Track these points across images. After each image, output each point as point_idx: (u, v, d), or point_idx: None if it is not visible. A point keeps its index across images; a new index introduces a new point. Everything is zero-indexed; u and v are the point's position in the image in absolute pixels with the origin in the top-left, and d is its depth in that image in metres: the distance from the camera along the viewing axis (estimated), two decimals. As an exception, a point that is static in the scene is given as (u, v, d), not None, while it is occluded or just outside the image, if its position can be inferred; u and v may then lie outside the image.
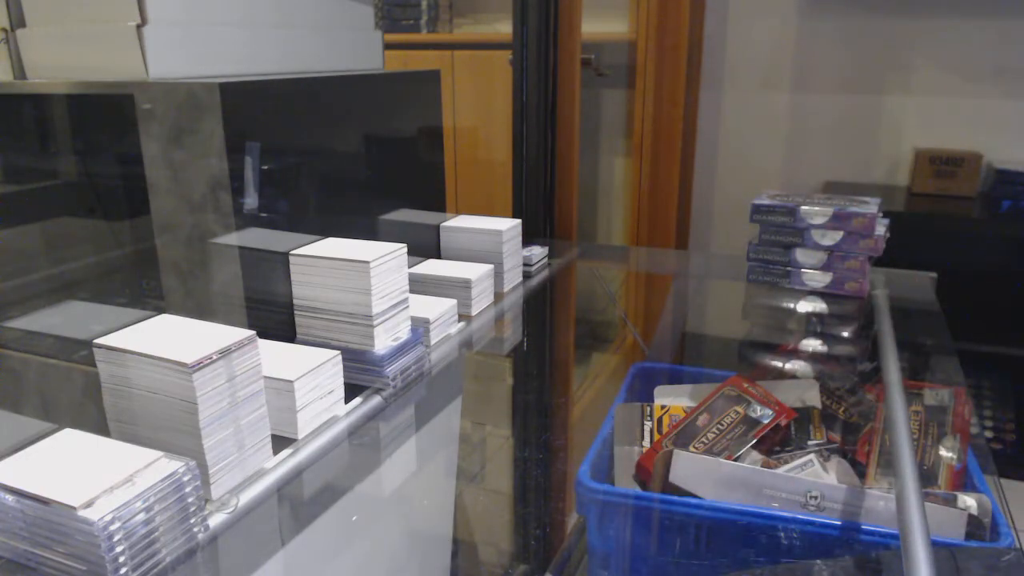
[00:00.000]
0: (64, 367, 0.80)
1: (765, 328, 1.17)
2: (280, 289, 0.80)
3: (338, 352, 0.74)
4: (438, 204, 1.13)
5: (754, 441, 0.81)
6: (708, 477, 0.73)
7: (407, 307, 0.83)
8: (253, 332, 0.61)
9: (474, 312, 1.01)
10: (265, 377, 0.64)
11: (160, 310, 0.70)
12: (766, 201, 1.16)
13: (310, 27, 0.97)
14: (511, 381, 1.05)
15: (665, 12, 1.96)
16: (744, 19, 2.13)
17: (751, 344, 1.18)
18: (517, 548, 0.70)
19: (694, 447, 0.80)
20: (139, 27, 0.74)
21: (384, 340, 0.79)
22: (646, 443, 0.85)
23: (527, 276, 1.18)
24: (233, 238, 0.74)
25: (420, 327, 0.86)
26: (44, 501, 0.49)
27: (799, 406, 0.87)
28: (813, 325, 1.11)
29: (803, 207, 1.13)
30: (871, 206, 1.13)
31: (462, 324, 0.97)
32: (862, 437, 0.82)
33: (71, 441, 0.56)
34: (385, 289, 0.78)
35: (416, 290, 0.92)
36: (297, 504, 0.65)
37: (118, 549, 0.49)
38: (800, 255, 1.16)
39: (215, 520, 0.58)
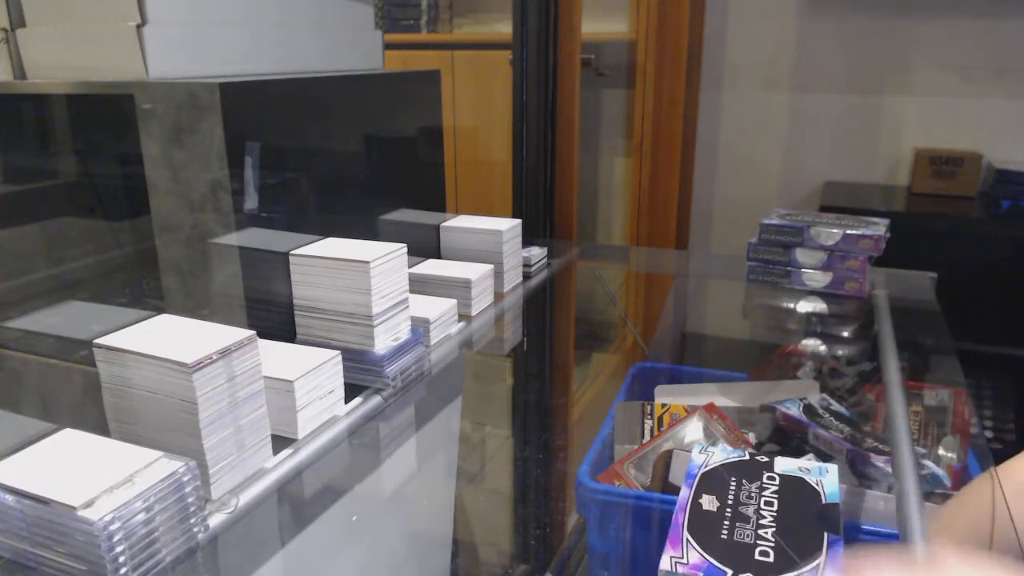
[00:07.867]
0: (64, 367, 0.80)
1: (765, 328, 1.17)
2: (280, 289, 0.80)
3: (338, 352, 0.74)
4: (438, 204, 1.13)
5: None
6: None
7: (407, 307, 0.83)
8: (253, 332, 0.61)
9: (474, 312, 1.01)
10: (265, 377, 0.64)
11: (160, 310, 0.70)
12: (775, 221, 1.16)
13: (310, 27, 0.97)
14: (511, 381, 1.04)
15: (665, 12, 1.96)
16: (744, 19, 2.13)
17: (751, 344, 1.18)
18: (517, 548, 0.70)
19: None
20: (139, 27, 0.74)
21: (384, 340, 0.79)
22: (646, 441, 0.85)
23: (527, 276, 1.18)
24: (233, 238, 0.74)
25: (420, 327, 0.86)
26: (44, 501, 0.49)
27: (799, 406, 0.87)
28: (813, 325, 1.11)
29: (812, 228, 1.13)
30: (880, 227, 1.12)
31: (462, 324, 0.97)
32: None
33: (71, 441, 0.56)
34: (385, 289, 0.78)
35: (416, 290, 0.92)
36: (297, 504, 0.66)
37: (118, 549, 0.49)
38: (800, 255, 1.16)
39: (215, 520, 0.58)
